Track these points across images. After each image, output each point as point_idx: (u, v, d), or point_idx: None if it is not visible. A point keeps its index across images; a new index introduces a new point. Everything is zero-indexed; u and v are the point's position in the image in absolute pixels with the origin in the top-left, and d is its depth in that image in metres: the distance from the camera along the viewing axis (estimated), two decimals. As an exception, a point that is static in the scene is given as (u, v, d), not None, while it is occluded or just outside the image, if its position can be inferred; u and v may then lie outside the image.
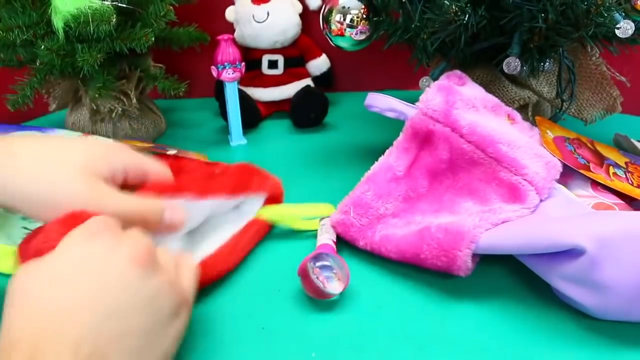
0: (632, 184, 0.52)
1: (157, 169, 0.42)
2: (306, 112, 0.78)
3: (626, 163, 0.58)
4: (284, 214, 0.52)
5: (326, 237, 0.48)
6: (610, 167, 0.55)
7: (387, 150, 0.51)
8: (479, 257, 0.44)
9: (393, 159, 0.50)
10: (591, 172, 0.52)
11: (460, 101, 0.49)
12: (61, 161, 0.37)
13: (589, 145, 0.59)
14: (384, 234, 0.47)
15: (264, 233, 0.51)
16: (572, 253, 0.38)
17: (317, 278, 0.41)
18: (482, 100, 0.52)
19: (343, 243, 0.49)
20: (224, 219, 0.49)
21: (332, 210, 0.50)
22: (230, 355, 0.38)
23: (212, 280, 0.44)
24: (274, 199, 0.52)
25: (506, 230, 0.42)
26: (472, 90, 0.52)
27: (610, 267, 0.37)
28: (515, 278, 0.45)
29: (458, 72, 0.54)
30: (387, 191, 0.49)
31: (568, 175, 0.51)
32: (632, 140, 0.64)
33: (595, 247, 0.37)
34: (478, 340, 0.39)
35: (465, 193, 0.48)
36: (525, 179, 0.46)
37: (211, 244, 0.46)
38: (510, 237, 0.41)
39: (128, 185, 0.40)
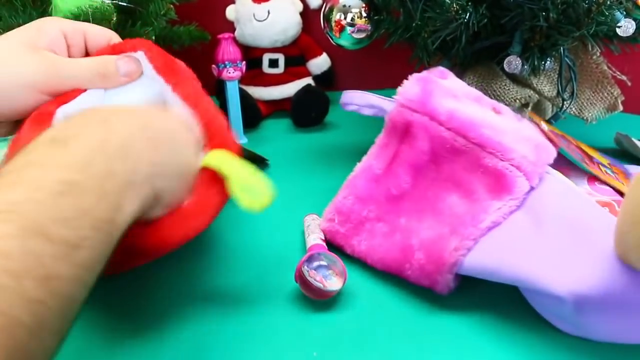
0: (623, 184, 0.52)
1: (95, 27, 0.44)
2: (307, 111, 0.78)
3: (609, 164, 0.57)
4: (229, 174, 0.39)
5: (314, 237, 0.48)
6: (600, 166, 0.54)
7: (369, 151, 0.49)
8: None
9: (373, 157, 0.48)
10: (589, 166, 0.52)
11: (438, 90, 0.46)
12: (1, 49, 0.39)
13: (574, 143, 0.58)
14: (369, 244, 0.46)
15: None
16: (554, 296, 0.37)
17: (315, 279, 0.41)
18: (464, 92, 0.49)
19: (344, 242, 0.49)
20: None
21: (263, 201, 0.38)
22: (232, 355, 0.38)
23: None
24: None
25: (493, 256, 0.40)
26: (453, 83, 0.50)
27: (593, 315, 0.36)
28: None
29: (441, 68, 0.52)
30: (368, 193, 0.48)
31: (564, 169, 0.50)
32: (634, 139, 0.64)
33: (577, 301, 0.36)
34: (478, 340, 0.39)
35: (450, 185, 0.46)
36: (512, 164, 0.43)
37: None
38: (494, 268, 0.40)
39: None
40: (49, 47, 0.40)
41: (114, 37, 0.44)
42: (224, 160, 0.39)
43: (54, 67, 0.39)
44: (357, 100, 0.52)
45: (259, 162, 0.62)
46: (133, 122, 0.33)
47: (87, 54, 0.43)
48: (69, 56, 0.42)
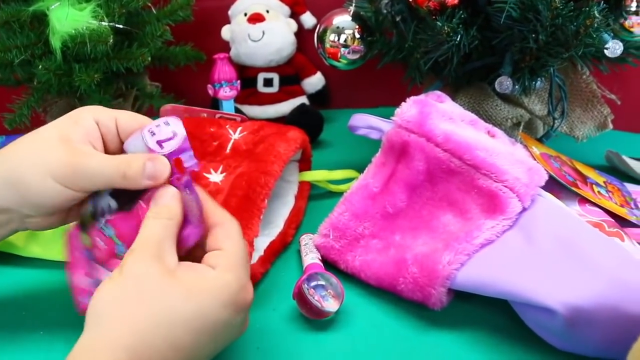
0: (616, 203, 0.53)
1: (126, 114, 0.41)
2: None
3: (605, 182, 0.58)
4: (318, 178, 0.61)
5: (312, 257, 0.48)
6: (594, 186, 0.55)
7: (365, 169, 0.50)
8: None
9: (370, 176, 0.49)
10: (580, 189, 0.52)
11: (435, 112, 0.48)
12: (36, 139, 0.39)
13: (569, 163, 0.59)
14: (363, 259, 0.47)
15: (308, 194, 0.61)
16: (546, 309, 0.38)
17: (314, 298, 0.41)
18: (460, 115, 0.51)
19: (338, 261, 0.50)
20: (281, 192, 0.58)
21: (356, 175, 0.53)
22: (226, 375, 0.38)
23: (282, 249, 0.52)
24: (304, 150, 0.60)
25: (486, 270, 0.41)
26: (450, 106, 0.52)
27: (584, 329, 0.37)
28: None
29: (438, 92, 0.54)
30: (364, 210, 0.48)
31: (556, 191, 0.51)
32: (624, 157, 0.65)
33: (568, 312, 0.37)
34: (470, 357, 0.39)
35: (444, 205, 0.47)
36: (505, 186, 0.44)
37: (281, 220, 0.55)
38: (487, 282, 0.41)
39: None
40: (84, 139, 0.39)
41: (145, 122, 0.41)
42: (315, 178, 0.61)
43: (75, 159, 0.37)
44: (357, 122, 0.53)
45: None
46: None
47: (120, 140, 0.41)
48: (104, 144, 0.40)
